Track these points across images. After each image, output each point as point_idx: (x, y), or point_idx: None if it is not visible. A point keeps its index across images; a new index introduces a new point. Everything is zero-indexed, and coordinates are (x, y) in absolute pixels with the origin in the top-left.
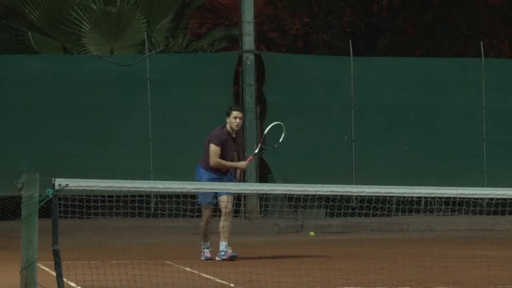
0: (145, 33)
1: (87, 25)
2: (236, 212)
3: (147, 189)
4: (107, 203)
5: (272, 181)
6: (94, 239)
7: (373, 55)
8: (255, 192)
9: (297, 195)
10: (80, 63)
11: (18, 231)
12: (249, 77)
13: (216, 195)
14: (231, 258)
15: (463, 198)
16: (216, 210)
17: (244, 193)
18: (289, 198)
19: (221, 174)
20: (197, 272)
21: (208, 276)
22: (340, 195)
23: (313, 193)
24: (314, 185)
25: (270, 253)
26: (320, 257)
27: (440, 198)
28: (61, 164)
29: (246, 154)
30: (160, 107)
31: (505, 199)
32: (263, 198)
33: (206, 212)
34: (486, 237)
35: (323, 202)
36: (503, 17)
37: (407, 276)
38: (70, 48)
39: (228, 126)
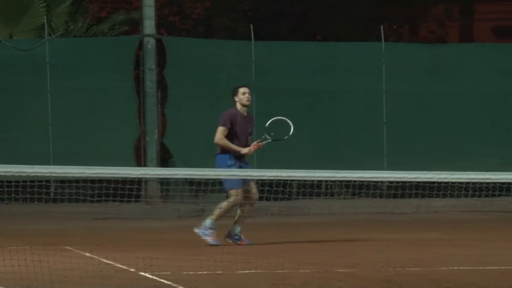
0: (45, 17)
1: None
2: (136, 197)
3: (46, 174)
4: (5, 189)
5: (173, 165)
6: None
7: (275, 39)
8: (156, 176)
9: (198, 179)
10: None
11: None
12: (150, 62)
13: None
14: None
15: (363, 181)
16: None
17: (145, 178)
18: (190, 182)
19: (237, 158)
20: (97, 257)
21: (108, 262)
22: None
23: (214, 177)
24: (215, 169)
25: (171, 238)
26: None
27: (341, 181)
28: None
29: None
30: (60, 91)
31: (405, 182)
32: (164, 182)
33: (240, 195)
34: (386, 220)
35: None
36: (402, 1)
37: (307, 259)
38: None
39: (238, 105)
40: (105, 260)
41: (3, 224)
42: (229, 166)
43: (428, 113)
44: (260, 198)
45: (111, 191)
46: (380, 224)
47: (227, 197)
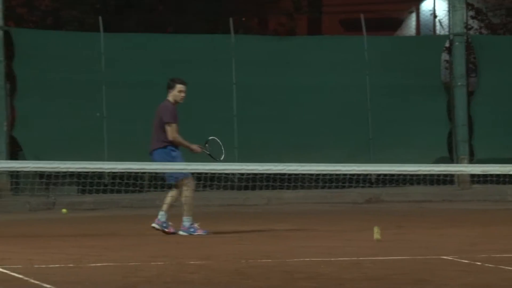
0: None
1: None
2: None
3: None
4: None
5: (23, 158)
6: None
7: (125, 31)
8: (5, 169)
9: (49, 172)
10: None
11: None
12: None
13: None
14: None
15: (214, 173)
16: None
17: None
18: (41, 175)
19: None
20: None
21: None
22: (92, 172)
23: (65, 170)
24: (65, 162)
25: (21, 232)
26: (72, 235)
27: (192, 173)
28: None
29: None
30: None
31: (256, 174)
32: (14, 175)
33: (192, 182)
34: (237, 212)
35: (75, 179)
36: None
37: (160, 252)
38: None
39: (171, 99)
40: None
41: None
42: (174, 158)
43: (279, 106)
44: (111, 191)
45: None
46: (231, 216)
47: (172, 188)
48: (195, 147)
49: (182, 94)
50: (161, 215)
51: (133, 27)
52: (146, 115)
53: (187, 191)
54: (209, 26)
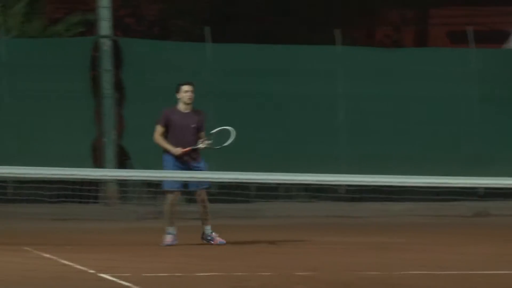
0: (0, 17)
1: None
2: (94, 198)
3: (4, 175)
4: None
5: (131, 167)
6: None
7: (232, 42)
8: (114, 178)
9: (156, 181)
10: None
11: None
12: (106, 63)
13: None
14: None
15: (322, 185)
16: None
17: (103, 179)
18: (148, 184)
19: (184, 161)
20: (56, 258)
21: (68, 262)
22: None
23: (172, 179)
24: (172, 171)
25: (129, 240)
26: (178, 244)
27: (299, 184)
28: None
29: None
30: (15, 92)
31: (363, 186)
32: (122, 184)
33: (170, 196)
34: (344, 224)
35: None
36: (358, 6)
37: (266, 262)
38: None
39: (180, 103)
40: (64, 261)
41: None
42: (164, 161)
43: (386, 117)
44: (219, 201)
45: (69, 192)
46: (338, 227)
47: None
48: (175, 150)
49: (188, 94)
50: (206, 229)
51: (239, 37)
52: (252, 125)
53: (165, 205)
54: (316, 37)
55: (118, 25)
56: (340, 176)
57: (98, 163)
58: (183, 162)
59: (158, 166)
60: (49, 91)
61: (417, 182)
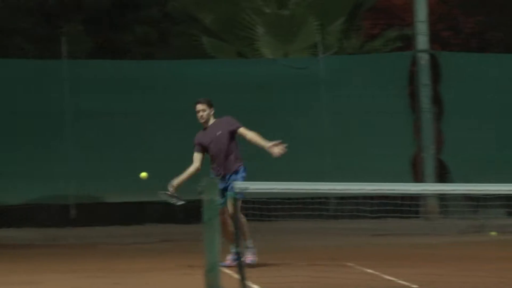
0: (318, 35)
1: (261, 29)
2: (415, 213)
3: (326, 191)
4: (286, 206)
5: (451, 181)
6: (274, 241)
7: None
8: (435, 192)
9: (477, 194)
10: (254, 67)
11: (200, 235)
12: (424, 77)
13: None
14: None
15: None
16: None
17: (424, 194)
18: (470, 197)
19: (221, 175)
20: (379, 273)
21: (390, 278)
22: None
23: (494, 192)
24: (495, 184)
25: (451, 254)
26: (503, 258)
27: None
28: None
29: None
30: (334, 108)
31: None
32: (443, 198)
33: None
34: None
35: (504, 202)
36: None
37: None
38: (244, 52)
39: None
40: (386, 277)
41: (284, 240)
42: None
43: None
44: None
45: (390, 207)
46: None
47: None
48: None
49: (199, 114)
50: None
51: None
52: None
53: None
54: None
55: (435, 39)
56: None
57: (417, 178)
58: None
59: (479, 179)
60: (366, 107)
61: None
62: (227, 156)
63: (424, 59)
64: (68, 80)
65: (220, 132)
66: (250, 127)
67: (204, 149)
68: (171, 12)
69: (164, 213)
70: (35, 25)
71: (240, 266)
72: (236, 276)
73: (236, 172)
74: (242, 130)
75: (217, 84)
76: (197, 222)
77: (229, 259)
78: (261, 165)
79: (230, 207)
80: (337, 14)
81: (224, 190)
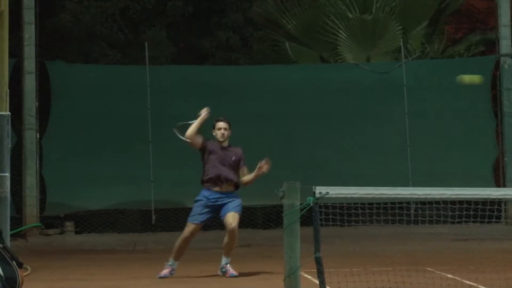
0: (401, 39)
1: (343, 34)
2: (497, 218)
3: (407, 196)
4: (367, 210)
5: None
6: (354, 246)
7: None
8: None
9: None
10: (337, 72)
11: (280, 240)
12: (507, 81)
13: (210, 216)
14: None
15: None
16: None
17: (505, 199)
18: None
19: (221, 192)
20: (460, 278)
21: (471, 283)
22: None
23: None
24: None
25: None
26: None
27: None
28: (317, 172)
29: None
30: (416, 113)
31: None
32: None
33: (187, 229)
34: None
35: None
36: None
37: None
38: (326, 56)
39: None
40: (467, 282)
41: (364, 245)
42: (195, 201)
43: None
44: None
45: (471, 212)
46: None
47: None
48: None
49: (222, 131)
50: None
51: None
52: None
53: (180, 237)
54: None
55: None
56: None
57: (499, 183)
58: (205, 200)
59: None
60: (448, 111)
61: None
62: (227, 180)
63: (506, 63)
64: (150, 85)
65: (234, 157)
66: (331, 132)
67: (204, 149)
68: (253, 17)
69: (243, 218)
70: (118, 30)
71: (320, 272)
72: (316, 281)
73: (235, 195)
74: (245, 170)
75: (299, 89)
76: (276, 227)
77: (165, 271)
78: (342, 169)
79: (231, 220)
80: (420, 18)
81: (216, 207)
